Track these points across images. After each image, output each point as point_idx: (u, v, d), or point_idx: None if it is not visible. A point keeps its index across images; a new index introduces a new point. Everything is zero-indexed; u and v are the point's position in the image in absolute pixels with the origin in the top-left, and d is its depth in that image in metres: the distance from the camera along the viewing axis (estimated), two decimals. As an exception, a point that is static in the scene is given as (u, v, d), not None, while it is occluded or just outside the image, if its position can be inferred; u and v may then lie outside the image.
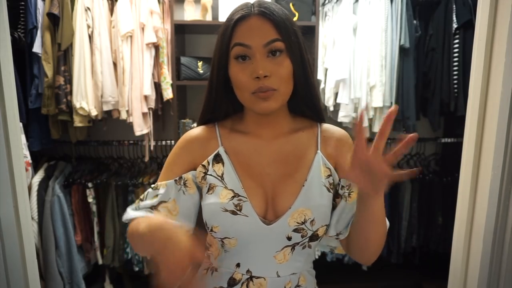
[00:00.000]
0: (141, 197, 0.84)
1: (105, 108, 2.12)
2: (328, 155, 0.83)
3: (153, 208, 0.81)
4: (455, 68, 2.24)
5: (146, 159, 2.29)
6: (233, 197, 0.77)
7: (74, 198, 2.24)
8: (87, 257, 2.33)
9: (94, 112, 2.09)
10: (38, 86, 2.04)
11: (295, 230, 0.77)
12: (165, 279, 0.58)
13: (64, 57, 2.05)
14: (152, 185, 0.84)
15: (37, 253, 1.88)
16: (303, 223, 0.77)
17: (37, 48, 2.00)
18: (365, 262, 0.86)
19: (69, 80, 2.07)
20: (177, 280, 0.58)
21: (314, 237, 0.79)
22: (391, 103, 2.27)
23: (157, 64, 2.18)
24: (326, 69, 2.32)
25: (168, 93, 2.16)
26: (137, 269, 2.32)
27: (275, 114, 0.81)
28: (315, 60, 2.22)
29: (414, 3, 2.24)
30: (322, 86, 2.35)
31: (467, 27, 2.18)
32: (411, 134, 0.62)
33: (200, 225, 0.84)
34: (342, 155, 0.84)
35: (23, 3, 1.97)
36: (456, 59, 2.23)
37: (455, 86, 2.24)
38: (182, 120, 2.27)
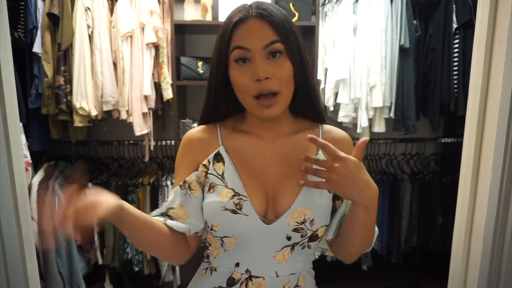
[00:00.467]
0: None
1: (105, 108, 2.12)
2: (328, 156, 0.83)
3: (163, 214, 0.84)
4: (455, 68, 2.24)
5: (146, 159, 2.29)
6: (233, 196, 0.78)
7: (74, 198, 2.23)
8: (87, 257, 2.32)
9: (94, 112, 2.09)
10: (38, 86, 2.04)
11: (295, 230, 0.78)
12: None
13: (64, 57, 2.05)
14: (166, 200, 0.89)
15: (37, 253, 1.87)
16: (302, 223, 0.77)
17: (37, 48, 2.00)
18: (346, 260, 0.88)
19: (69, 80, 2.07)
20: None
21: (313, 237, 0.80)
22: (391, 103, 2.27)
23: (157, 64, 2.18)
24: (326, 69, 2.32)
25: (168, 93, 2.16)
26: (137, 269, 2.32)
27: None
28: (315, 60, 2.22)
29: (414, 3, 2.24)
30: (322, 86, 2.35)
31: (467, 27, 2.18)
32: (362, 139, 0.69)
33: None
34: None
35: (23, 3, 1.97)
36: (456, 59, 2.23)
37: (455, 86, 2.24)
38: (182, 120, 2.27)
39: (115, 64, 2.11)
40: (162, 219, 0.82)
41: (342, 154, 0.68)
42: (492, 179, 1.13)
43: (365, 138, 0.70)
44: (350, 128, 2.37)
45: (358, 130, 2.27)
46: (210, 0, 2.21)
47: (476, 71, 1.20)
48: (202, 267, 0.89)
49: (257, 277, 0.80)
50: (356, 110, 2.29)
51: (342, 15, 2.22)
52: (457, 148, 1.48)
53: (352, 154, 0.70)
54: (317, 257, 2.23)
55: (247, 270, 0.81)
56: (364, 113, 2.25)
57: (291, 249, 0.80)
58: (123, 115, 2.13)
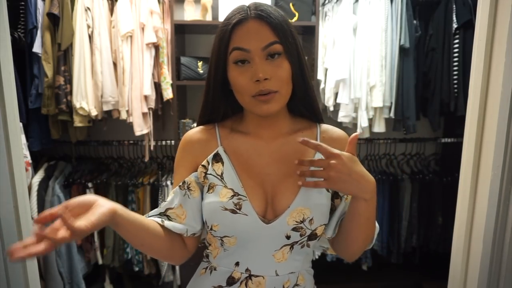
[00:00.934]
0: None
1: (105, 108, 2.12)
2: None
3: (161, 214, 0.84)
4: (455, 68, 2.24)
5: (146, 159, 2.29)
6: (232, 196, 0.78)
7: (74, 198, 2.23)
8: (87, 257, 2.33)
9: (94, 112, 2.09)
10: (38, 86, 2.04)
11: (294, 229, 0.78)
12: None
13: (64, 57, 2.05)
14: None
15: (37, 253, 1.87)
16: (301, 222, 0.78)
17: (37, 48, 2.00)
18: (348, 258, 0.88)
19: (69, 80, 2.07)
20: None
21: (312, 236, 0.80)
22: (391, 103, 2.27)
23: (157, 64, 2.18)
24: (326, 69, 2.32)
25: (168, 93, 2.16)
26: (137, 269, 2.32)
27: (275, 115, 0.81)
28: (315, 60, 2.22)
29: (414, 3, 2.24)
30: (322, 86, 2.35)
31: (467, 27, 2.18)
32: (353, 135, 0.71)
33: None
34: None
35: (23, 3, 1.97)
36: (456, 59, 2.23)
37: (455, 86, 2.24)
38: (182, 120, 2.27)
39: (115, 64, 2.11)
40: (159, 219, 0.82)
41: (336, 151, 0.70)
42: (492, 179, 1.13)
43: (356, 133, 0.72)
44: (350, 128, 2.37)
45: (358, 130, 2.27)
46: (210, 0, 2.21)
47: (476, 71, 1.20)
48: (201, 266, 0.89)
49: (256, 276, 0.81)
50: (356, 110, 2.29)
51: (342, 15, 2.22)
52: (457, 148, 1.48)
53: (346, 149, 0.71)
54: (317, 257, 2.23)
55: (246, 269, 0.81)
56: (364, 113, 2.25)
57: (290, 248, 0.80)
58: (123, 115, 2.13)
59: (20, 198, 1.22)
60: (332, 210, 0.84)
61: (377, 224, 0.84)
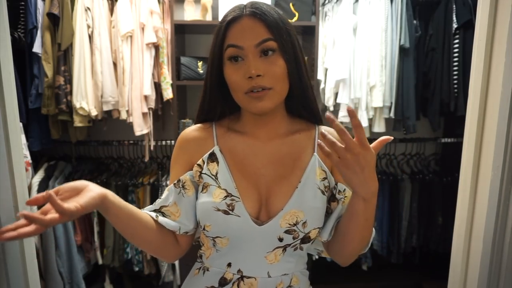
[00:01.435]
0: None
1: (105, 108, 2.12)
2: (325, 158, 0.83)
3: (155, 211, 0.84)
4: (455, 68, 2.24)
5: (146, 159, 2.29)
6: (226, 196, 0.78)
7: (74, 198, 2.23)
8: (87, 257, 2.32)
9: (94, 112, 2.09)
10: (38, 86, 2.04)
11: (287, 232, 0.78)
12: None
13: (64, 57, 2.05)
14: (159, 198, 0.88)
15: (37, 253, 1.87)
16: (295, 224, 0.77)
17: (37, 48, 2.00)
18: (342, 262, 0.87)
19: (69, 80, 2.07)
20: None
21: (306, 239, 0.79)
22: (391, 103, 2.27)
23: (157, 64, 2.18)
24: (326, 69, 2.32)
25: (168, 93, 2.16)
26: (137, 269, 2.32)
27: (272, 115, 0.81)
28: (315, 60, 2.22)
29: (414, 3, 2.24)
30: (322, 86, 2.35)
31: (467, 27, 2.18)
32: (386, 137, 0.68)
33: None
34: None
35: (23, 3, 1.97)
36: (456, 59, 2.23)
37: (455, 86, 2.24)
38: (182, 120, 2.27)
39: (115, 64, 2.11)
40: (154, 214, 0.82)
41: (367, 143, 0.66)
42: (492, 179, 1.13)
43: (390, 137, 0.68)
44: (350, 128, 2.37)
45: (358, 130, 2.27)
46: (210, 0, 2.21)
47: (476, 71, 1.19)
48: (195, 267, 0.89)
49: (248, 277, 0.80)
50: (356, 110, 2.29)
51: (342, 15, 2.22)
52: (457, 148, 1.48)
53: (372, 145, 0.68)
54: (317, 257, 2.23)
55: (238, 271, 0.81)
56: (364, 113, 2.25)
57: (283, 250, 0.80)
58: (123, 115, 2.13)
59: (20, 198, 1.22)
60: (328, 213, 0.84)
61: (373, 229, 0.83)
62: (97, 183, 2.46)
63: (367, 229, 0.78)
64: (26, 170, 1.78)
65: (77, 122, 2.09)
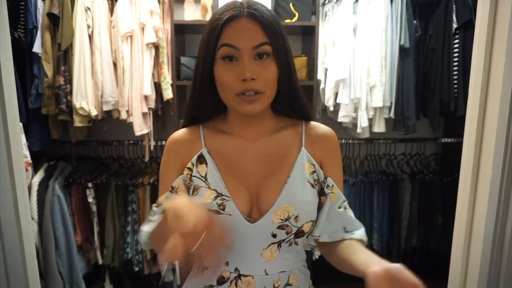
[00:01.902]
0: (149, 217, 0.85)
1: (105, 108, 2.12)
2: (313, 152, 0.84)
3: None
4: (455, 68, 2.24)
5: (146, 159, 2.29)
6: (216, 197, 0.78)
7: (74, 198, 2.24)
8: (87, 257, 2.33)
9: (94, 112, 2.09)
10: (38, 86, 2.04)
11: (280, 227, 0.78)
12: (178, 245, 0.55)
13: (64, 57, 2.05)
14: (154, 204, 0.86)
15: (37, 253, 1.87)
16: (286, 219, 0.78)
17: (37, 48, 2.00)
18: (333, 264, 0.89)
19: (69, 80, 2.07)
20: (190, 244, 0.56)
21: (299, 233, 0.80)
22: (391, 103, 2.27)
23: (157, 64, 2.18)
24: (326, 69, 2.32)
25: (168, 93, 2.16)
26: (137, 269, 2.32)
27: (259, 114, 0.81)
28: (315, 60, 2.22)
29: (414, 3, 2.24)
30: (322, 86, 2.35)
31: (467, 27, 2.18)
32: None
33: None
34: (327, 152, 0.85)
35: (23, 3, 1.97)
36: (456, 59, 2.23)
37: (455, 86, 2.24)
38: (182, 120, 2.26)
39: (115, 64, 2.11)
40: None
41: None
42: (492, 179, 1.13)
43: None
44: (350, 128, 2.37)
45: (358, 130, 2.27)
46: (210, 0, 2.21)
47: (476, 71, 1.19)
48: (195, 266, 0.90)
49: (246, 275, 0.81)
50: (356, 110, 2.28)
51: (342, 15, 2.22)
52: (457, 148, 1.48)
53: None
54: (317, 256, 2.23)
55: (236, 269, 0.81)
56: (364, 113, 2.25)
57: (278, 247, 0.80)
58: (123, 115, 2.13)
59: (20, 198, 1.22)
60: (319, 207, 0.84)
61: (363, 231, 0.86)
62: (97, 183, 2.44)
63: None
64: (26, 170, 1.78)
65: (77, 122, 2.09)
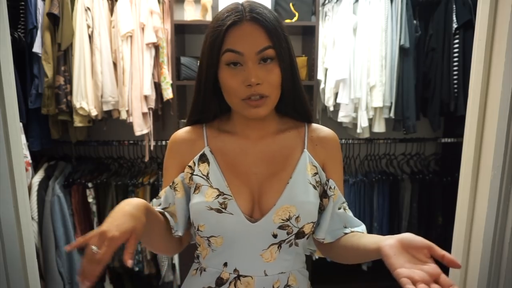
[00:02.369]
0: None
1: (105, 108, 2.12)
2: (315, 154, 0.84)
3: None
4: (455, 68, 2.24)
5: (146, 159, 2.29)
6: (218, 195, 0.78)
7: (74, 198, 2.23)
8: (87, 257, 2.32)
9: (94, 112, 2.09)
10: (38, 86, 2.04)
11: (280, 227, 0.78)
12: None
13: (64, 57, 2.05)
14: (156, 197, 0.87)
15: (37, 253, 1.88)
16: (288, 219, 0.78)
17: (37, 48, 2.00)
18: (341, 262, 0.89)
19: (69, 80, 2.07)
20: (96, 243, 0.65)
21: (300, 234, 0.80)
22: (391, 103, 2.27)
23: (157, 64, 2.18)
24: (326, 69, 2.32)
25: (168, 93, 2.16)
26: (137, 269, 2.32)
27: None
28: (315, 60, 2.22)
29: (414, 3, 2.24)
30: (322, 86, 2.35)
31: (467, 27, 2.18)
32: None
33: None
34: (329, 154, 0.86)
35: (23, 3, 1.97)
36: (456, 59, 2.23)
37: (455, 86, 2.24)
38: (182, 120, 2.27)
39: (115, 64, 2.11)
40: (162, 210, 0.83)
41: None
42: (492, 179, 1.13)
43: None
44: (350, 128, 2.37)
45: (358, 130, 2.27)
46: (210, 0, 2.21)
47: (476, 71, 1.19)
48: (193, 267, 0.90)
49: (245, 276, 0.81)
50: (356, 110, 2.29)
51: (342, 15, 2.22)
52: (457, 148, 1.48)
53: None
54: (317, 257, 2.23)
55: (235, 270, 0.81)
56: (364, 113, 2.25)
57: (278, 247, 0.80)
58: (123, 115, 2.13)
59: (20, 198, 1.22)
60: (321, 209, 0.84)
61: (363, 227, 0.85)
62: (97, 183, 2.44)
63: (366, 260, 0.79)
64: (26, 170, 1.78)
65: (77, 122, 2.09)
